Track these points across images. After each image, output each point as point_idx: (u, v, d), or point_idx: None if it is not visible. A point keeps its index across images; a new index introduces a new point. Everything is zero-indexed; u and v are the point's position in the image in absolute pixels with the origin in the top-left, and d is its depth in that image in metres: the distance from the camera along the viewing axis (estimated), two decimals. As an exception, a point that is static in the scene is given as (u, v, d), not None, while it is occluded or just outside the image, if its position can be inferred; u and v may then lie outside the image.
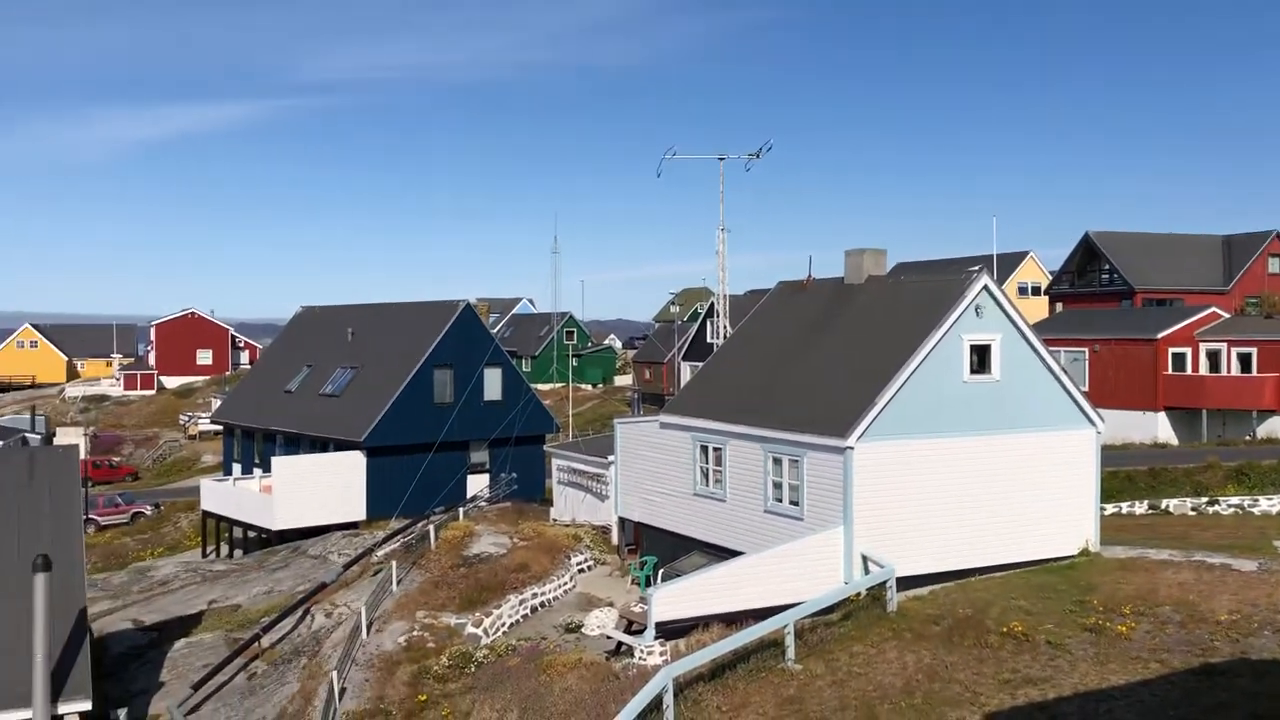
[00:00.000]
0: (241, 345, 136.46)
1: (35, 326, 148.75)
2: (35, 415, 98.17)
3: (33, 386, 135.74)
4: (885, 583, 23.58)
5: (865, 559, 24.33)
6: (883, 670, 20.49)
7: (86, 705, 20.23)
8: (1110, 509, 36.74)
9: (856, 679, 20.22)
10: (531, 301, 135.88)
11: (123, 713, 23.03)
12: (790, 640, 21.34)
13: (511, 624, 27.18)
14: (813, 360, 28.19)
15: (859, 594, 23.89)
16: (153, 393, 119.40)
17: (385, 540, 35.99)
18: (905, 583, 24.10)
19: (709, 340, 75.93)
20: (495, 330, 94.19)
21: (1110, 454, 41.95)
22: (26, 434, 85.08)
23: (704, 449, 28.77)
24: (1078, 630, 21.59)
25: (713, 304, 67.24)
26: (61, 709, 19.83)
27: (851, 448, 24.22)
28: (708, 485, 28.67)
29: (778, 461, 26.26)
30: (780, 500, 26.22)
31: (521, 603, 28.04)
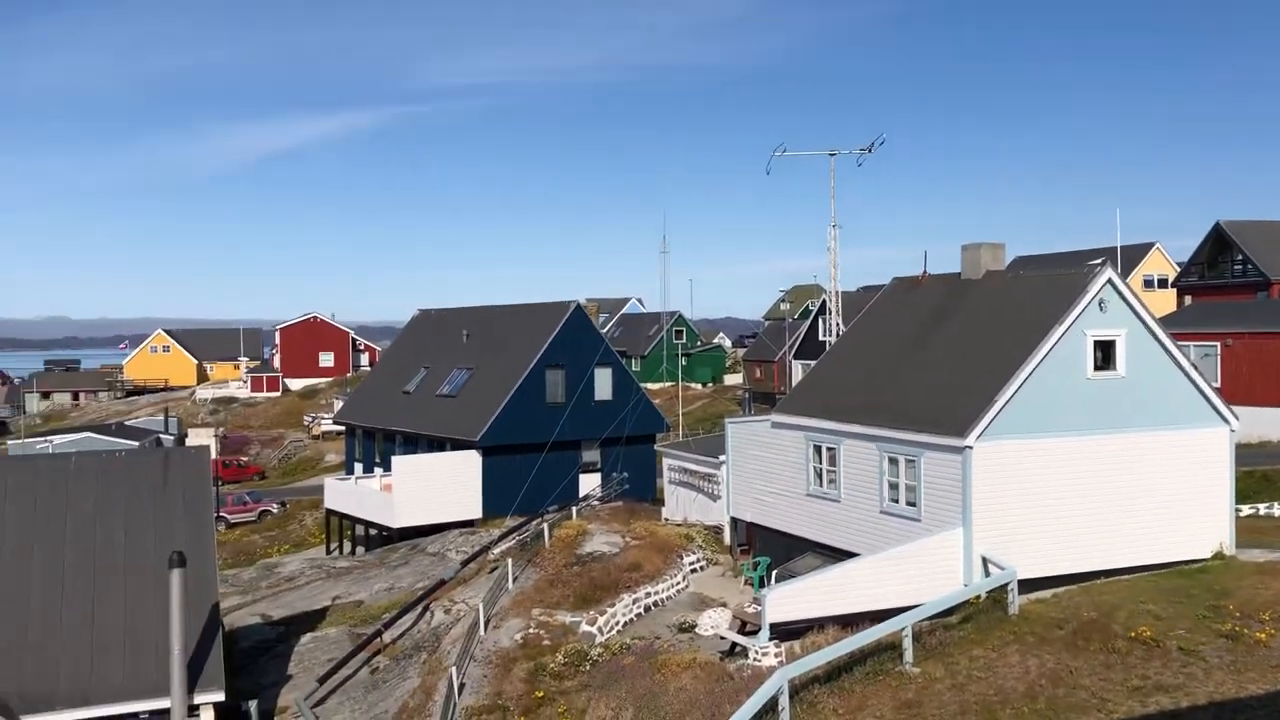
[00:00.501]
0: (361, 348, 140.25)
1: (167, 332, 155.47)
2: (168, 417, 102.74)
3: (165, 389, 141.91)
4: (1006, 585, 23.00)
5: (985, 561, 23.78)
6: (1004, 674, 19.99)
7: (220, 696, 21.01)
8: (1246, 510, 35.14)
9: (977, 683, 19.77)
10: (640, 301, 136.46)
11: (253, 705, 23.81)
12: (908, 643, 20.97)
13: (625, 623, 27.33)
14: (929, 358, 27.66)
15: (979, 596, 23.36)
16: (278, 394, 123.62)
17: (501, 538, 36.55)
18: (1027, 585, 23.47)
19: (821, 338, 75.08)
20: (605, 330, 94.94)
21: (1245, 453, 40.15)
22: (160, 435, 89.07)
23: (817, 449, 28.47)
24: (1212, 637, 20.71)
25: (824, 301, 66.53)
26: (197, 699, 20.63)
27: (970, 447, 23.69)
28: (821, 485, 28.36)
29: (894, 461, 25.84)
30: (896, 501, 25.80)
31: (635, 602, 28.17)
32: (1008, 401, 24.00)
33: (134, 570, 22.57)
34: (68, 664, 20.76)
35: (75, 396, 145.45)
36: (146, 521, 23.53)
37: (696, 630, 26.09)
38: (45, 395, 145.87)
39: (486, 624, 27.09)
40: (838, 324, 43.46)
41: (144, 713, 20.51)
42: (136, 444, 74.40)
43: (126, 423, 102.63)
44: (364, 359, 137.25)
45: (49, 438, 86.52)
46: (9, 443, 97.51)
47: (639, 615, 27.94)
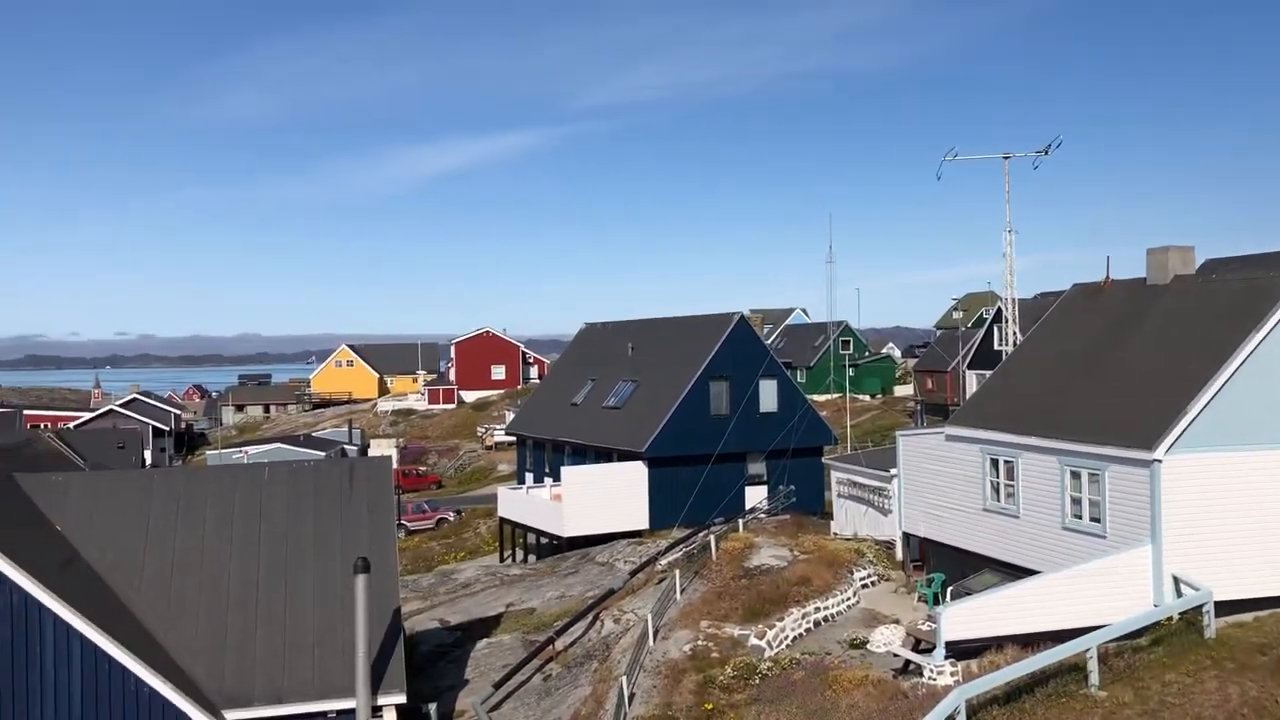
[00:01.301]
0: (531, 361, 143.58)
1: (351, 347, 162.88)
2: (352, 428, 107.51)
3: (349, 402, 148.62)
4: (1202, 607, 21.73)
5: (1177, 580, 22.52)
6: (1201, 702, 18.86)
7: (402, 699, 21.80)
8: None
9: (1170, 709, 18.71)
10: (805, 311, 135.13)
11: (433, 707, 24.58)
12: (1093, 665, 20.04)
13: (794, 637, 27.05)
14: (1113, 367, 26.44)
15: (1171, 618, 22.14)
16: (453, 406, 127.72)
17: (668, 549, 36.75)
18: (1224, 607, 22.10)
19: (997, 347, 72.71)
20: (769, 341, 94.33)
21: None
22: (345, 446, 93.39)
23: (994, 462, 27.57)
24: None
25: (999, 309, 64.37)
26: (380, 701, 21.47)
27: (1159, 460, 22.50)
28: (998, 500, 27.44)
29: (1076, 475, 24.77)
30: (1079, 517, 24.72)
31: (804, 616, 27.85)
32: (1200, 412, 22.70)
33: (322, 575, 23.67)
34: (263, 664, 21.91)
35: (266, 409, 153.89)
36: (333, 528, 24.65)
37: (868, 647, 25.60)
38: (239, 408, 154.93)
39: (655, 634, 27.26)
40: (1014, 332, 42.00)
41: (332, 712, 21.44)
42: (323, 454, 78.22)
43: (314, 434, 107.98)
44: (533, 371, 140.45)
45: (243, 448, 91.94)
46: (207, 453, 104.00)
47: (808, 630, 27.61)
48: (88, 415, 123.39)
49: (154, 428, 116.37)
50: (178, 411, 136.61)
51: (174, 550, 23.69)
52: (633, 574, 34.57)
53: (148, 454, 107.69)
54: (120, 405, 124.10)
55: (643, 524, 44.24)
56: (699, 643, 26.33)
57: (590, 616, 30.94)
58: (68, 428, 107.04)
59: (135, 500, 24.56)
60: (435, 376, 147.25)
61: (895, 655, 24.12)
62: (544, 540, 47.10)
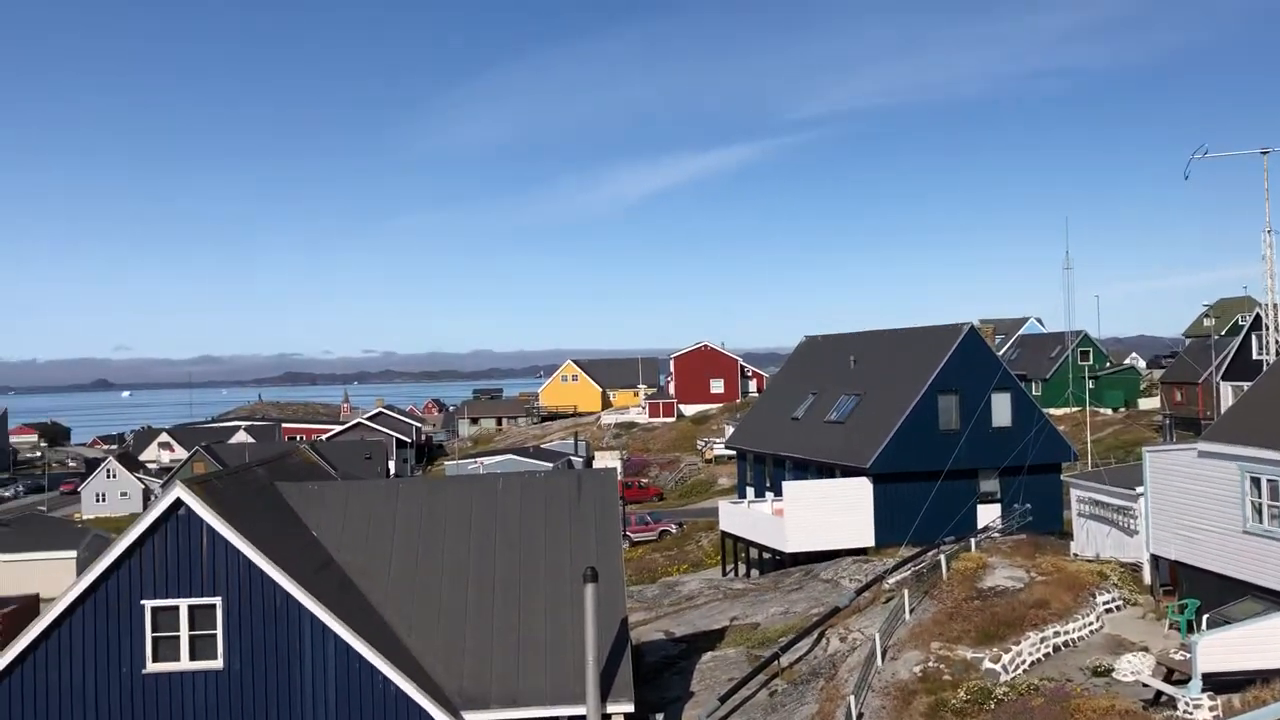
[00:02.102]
0: (749, 374, 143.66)
1: (576, 362, 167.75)
2: (578, 441, 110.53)
3: (574, 415, 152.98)
4: None
5: None
6: None
7: (630, 707, 22.15)
8: None
9: None
10: (1040, 321, 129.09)
11: (659, 717, 24.86)
12: (1378, 707, 18.15)
13: (1031, 662, 25.82)
14: (1395, 377, 23.94)
15: None
16: (673, 420, 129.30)
17: (895, 568, 35.83)
18: None
19: (1255, 356, 67.31)
20: (1001, 353, 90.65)
21: None
22: (571, 457, 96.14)
23: (1255, 481, 25.46)
24: None
25: (1258, 315, 59.59)
26: (609, 709, 21.88)
27: None
28: (1261, 522, 25.31)
29: (1352, 496, 22.56)
30: (1357, 542, 22.49)
31: (1042, 641, 26.54)
32: None
33: (552, 583, 24.38)
34: (498, 667, 22.75)
35: (498, 422, 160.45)
36: (563, 537, 25.35)
37: (1114, 675, 24.15)
38: (474, 421, 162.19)
39: (884, 654, 26.62)
40: (1276, 340, 38.78)
41: (563, 717, 22.01)
42: (551, 465, 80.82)
43: (542, 445, 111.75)
44: (751, 385, 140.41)
45: (478, 459, 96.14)
46: (445, 464, 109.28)
47: (1047, 655, 26.30)
48: (338, 428, 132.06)
49: (397, 439, 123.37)
50: (418, 424, 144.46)
51: (417, 556, 24.95)
52: (859, 592, 33.89)
53: (391, 464, 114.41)
54: (367, 418, 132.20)
55: (868, 541, 43.32)
56: (929, 664, 25.52)
57: (816, 633, 30.52)
58: (321, 439, 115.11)
59: (382, 508, 26.02)
60: (655, 390, 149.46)
61: (1145, 685, 22.63)
62: (766, 555, 46.85)
